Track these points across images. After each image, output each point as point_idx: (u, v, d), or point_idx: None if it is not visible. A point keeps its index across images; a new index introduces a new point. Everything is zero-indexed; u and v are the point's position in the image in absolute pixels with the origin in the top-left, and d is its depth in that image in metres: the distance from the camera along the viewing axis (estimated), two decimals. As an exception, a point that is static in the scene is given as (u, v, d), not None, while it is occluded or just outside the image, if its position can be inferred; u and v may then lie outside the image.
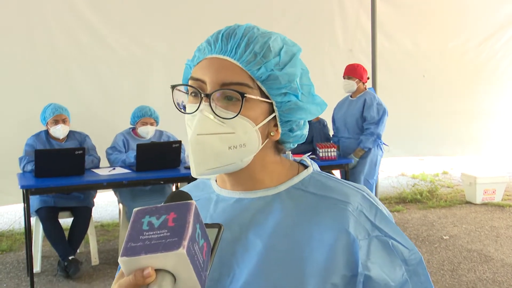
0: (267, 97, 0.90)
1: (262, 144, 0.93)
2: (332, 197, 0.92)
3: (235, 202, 0.96)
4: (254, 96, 0.88)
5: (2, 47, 5.63)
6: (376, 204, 0.94)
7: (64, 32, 5.87)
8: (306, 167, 1.01)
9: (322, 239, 0.87)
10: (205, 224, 0.78)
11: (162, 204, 0.77)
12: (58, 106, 4.65)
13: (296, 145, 1.02)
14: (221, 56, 0.89)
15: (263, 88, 0.89)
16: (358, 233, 0.87)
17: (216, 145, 0.88)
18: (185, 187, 1.10)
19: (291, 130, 0.96)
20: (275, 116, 0.93)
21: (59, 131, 4.63)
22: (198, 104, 0.89)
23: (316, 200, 0.92)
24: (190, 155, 0.91)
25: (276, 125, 0.94)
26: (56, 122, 4.62)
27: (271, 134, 0.94)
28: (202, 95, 0.88)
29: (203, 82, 0.89)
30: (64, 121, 4.65)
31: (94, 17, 6.00)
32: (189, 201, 0.76)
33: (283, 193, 0.95)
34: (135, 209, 0.75)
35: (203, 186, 1.06)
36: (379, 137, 5.20)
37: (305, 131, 1.00)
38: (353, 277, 0.84)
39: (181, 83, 0.95)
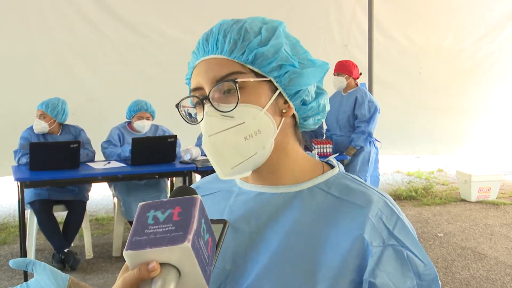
0: (264, 77, 0.90)
1: (278, 126, 0.92)
2: (353, 202, 0.90)
3: (256, 195, 0.96)
4: (248, 79, 0.88)
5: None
6: (398, 213, 0.91)
7: (60, 22, 5.87)
8: (331, 167, 1.00)
9: (338, 243, 0.86)
10: (210, 220, 0.78)
11: (166, 198, 0.77)
12: (46, 102, 4.59)
13: (323, 119, 1.00)
14: (206, 57, 0.90)
15: (255, 69, 0.89)
16: (373, 239, 0.85)
17: (231, 140, 0.88)
18: (206, 178, 1.10)
19: (304, 103, 0.94)
20: (281, 93, 0.92)
21: (38, 127, 4.58)
22: (203, 110, 0.89)
23: (337, 203, 0.91)
24: (210, 159, 0.90)
25: (286, 102, 0.93)
26: (39, 116, 4.59)
27: (284, 111, 0.93)
28: (203, 100, 0.89)
29: (202, 88, 0.90)
30: (43, 117, 4.59)
31: (91, 7, 5.98)
32: (194, 195, 0.76)
33: (305, 191, 0.93)
34: (140, 203, 0.75)
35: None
36: (370, 135, 5.21)
37: (322, 101, 0.97)
38: (362, 283, 0.83)
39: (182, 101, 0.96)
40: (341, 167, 1.00)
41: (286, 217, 0.91)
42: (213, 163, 0.90)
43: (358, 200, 0.90)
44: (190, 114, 0.95)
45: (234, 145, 0.88)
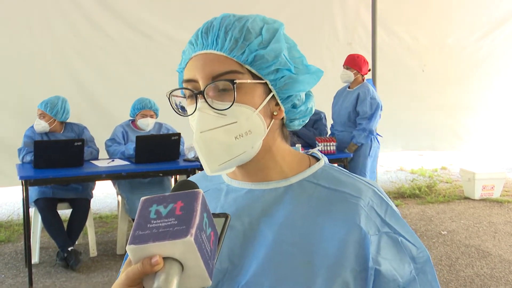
0: (260, 78, 0.90)
1: (268, 127, 0.92)
2: (344, 191, 0.92)
3: (246, 192, 0.96)
4: (246, 80, 0.88)
5: (2, 37, 5.62)
6: (386, 200, 0.94)
7: (63, 22, 5.88)
8: (317, 160, 1.01)
9: (332, 232, 0.87)
10: (212, 214, 0.78)
11: (169, 193, 0.77)
12: (46, 101, 4.60)
13: (307, 121, 1.02)
14: (205, 51, 0.90)
15: (253, 70, 0.89)
16: (369, 228, 0.87)
17: (222, 138, 0.88)
18: (193, 177, 1.10)
19: (294, 106, 0.95)
20: (274, 95, 0.92)
21: (38, 127, 4.59)
22: (195, 104, 0.89)
23: (327, 194, 0.92)
24: (199, 154, 0.90)
25: (277, 104, 0.94)
26: (39, 116, 4.60)
27: (274, 113, 0.93)
28: (197, 94, 0.88)
29: (196, 81, 0.89)
30: (43, 117, 4.60)
31: (95, 7, 5.99)
32: (196, 189, 0.76)
33: (295, 185, 0.94)
34: (142, 198, 0.76)
35: (211, 177, 1.06)
36: (371, 132, 5.19)
37: (310, 104, 0.99)
38: (362, 272, 0.84)
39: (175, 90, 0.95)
40: (326, 159, 1.02)
41: (279, 211, 0.91)
42: (202, 159, 0.91)
43: (348, 190, 0.92)
44: (183, 107, 0.95)
45: (224, 143, 0.88)
